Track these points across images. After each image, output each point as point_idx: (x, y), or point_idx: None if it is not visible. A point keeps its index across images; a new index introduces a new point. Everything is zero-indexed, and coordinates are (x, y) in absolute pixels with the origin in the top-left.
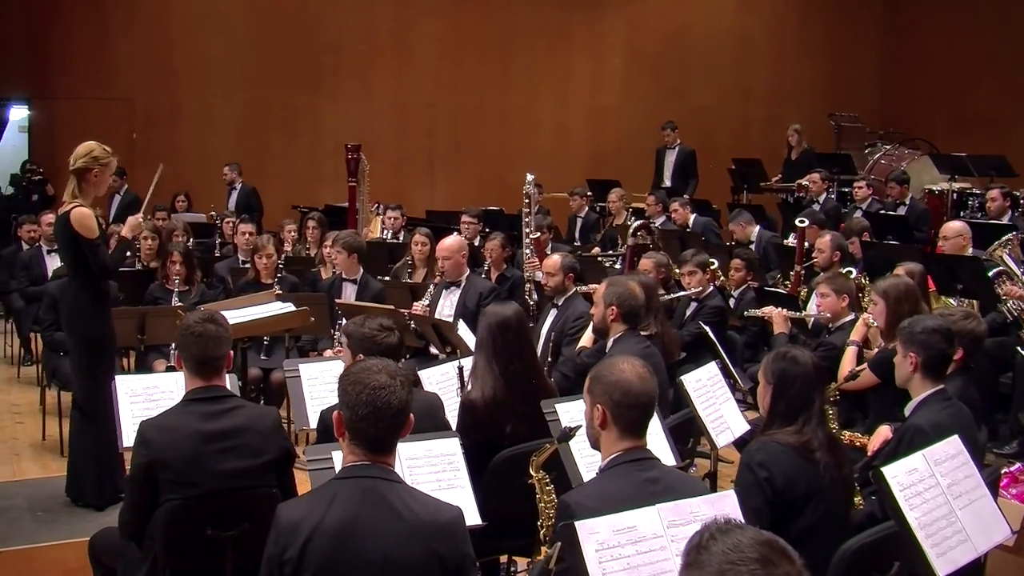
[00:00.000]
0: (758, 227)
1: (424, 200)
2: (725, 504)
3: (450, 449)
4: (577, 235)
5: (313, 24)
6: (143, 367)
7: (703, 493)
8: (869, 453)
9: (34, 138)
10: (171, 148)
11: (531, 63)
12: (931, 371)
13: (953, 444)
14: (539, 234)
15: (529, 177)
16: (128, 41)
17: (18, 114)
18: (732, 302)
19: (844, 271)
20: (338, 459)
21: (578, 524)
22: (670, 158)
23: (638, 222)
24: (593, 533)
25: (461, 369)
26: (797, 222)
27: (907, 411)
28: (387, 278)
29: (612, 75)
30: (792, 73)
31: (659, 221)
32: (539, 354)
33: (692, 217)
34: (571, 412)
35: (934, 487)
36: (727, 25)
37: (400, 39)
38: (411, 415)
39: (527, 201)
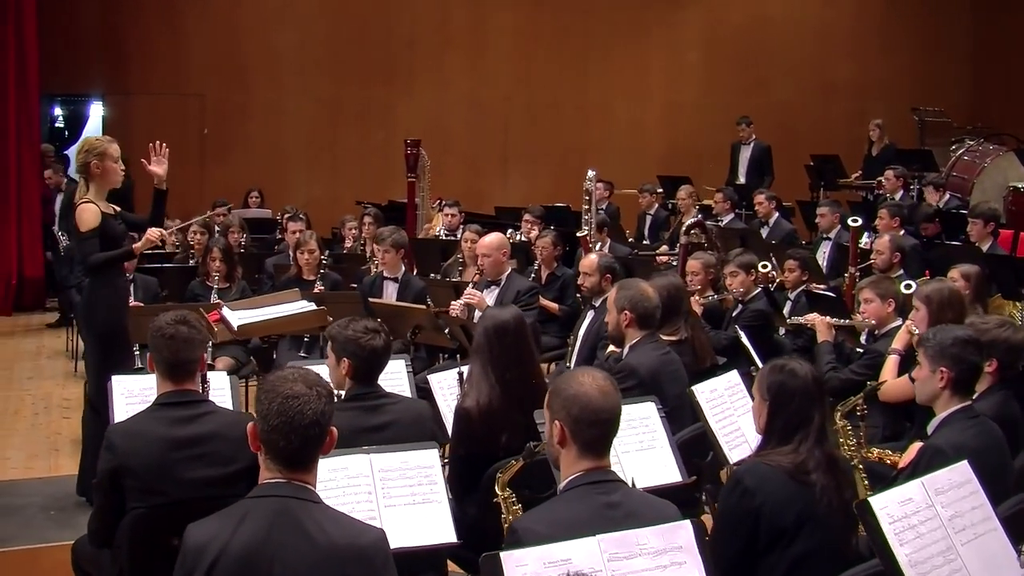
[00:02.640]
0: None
1: (498, 196)
2: (678, 536)
3: (427, 461)
4: (647, 232)
5: (387, 18)
6: None
7: (674, 519)
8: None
9: (108, 133)
10: (242, 143)
11: (607, 57)
12: (962, 387)
13: (960, 471)
14: (586, 231)
15: (590, 173)
16: (201, 36)
17: (94, 110)
18: (788, 305)
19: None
20: None
21: (503, 555)
22: (745, 154)
23: (691, 220)
24: (521, 565)
25: (462, 375)
26: (850, 221)
27: (929, 429)
28: (435, 276)
29: (690, 69)
30: (876, 66)
31: (727, 219)
32: (574, 357)
33: (775, 216)
34: None
35: (931, 519)
36: (808, 17)
37: (475, 33)
38: (332, 430)
39: (587, 198)
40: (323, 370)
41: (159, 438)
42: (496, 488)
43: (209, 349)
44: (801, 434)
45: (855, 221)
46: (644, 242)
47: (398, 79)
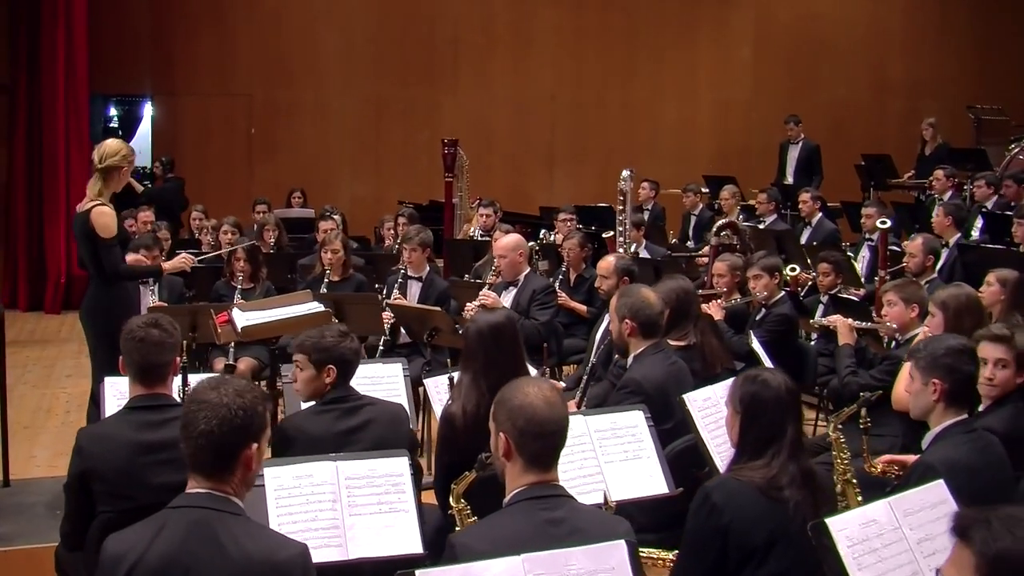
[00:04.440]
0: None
1: (542, 196)
2: (611, 557)
3: (396, 469)
4: (691, 233)
5: (431, 17)
6: (205, 365)
7: (623, 537)
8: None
9: (156, 134)
10: (288, 143)
11: (655, 54)
12: (956, 399)
13: (935, 491)
14: (612, 233)
15: (625, 173)
16: (248, 36)
17: (148, 111)
18: (820, 309)
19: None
20: (270, 476)
21: (420, 572)
22: (793, 153)
23: (722, 220)
24: None
25: (452, 379)
26: (878, 223)
27: (924, 444)
28: (467, 276)
29: (739, 67)
30: (931, 63)
31: (770, 220)
32: (592, 360)
33: (819, 216)
34: None
35: (897, 542)
36: (861, 13)
37: (519, 31)
38: (252, 443)
39: (621, 198)
40: None
41: (127, 442)
42: (451, 500)
43: (231, 350)
44: (774, 448)
45: (883, 223)
46: (688, 243)
47: (442, 78)
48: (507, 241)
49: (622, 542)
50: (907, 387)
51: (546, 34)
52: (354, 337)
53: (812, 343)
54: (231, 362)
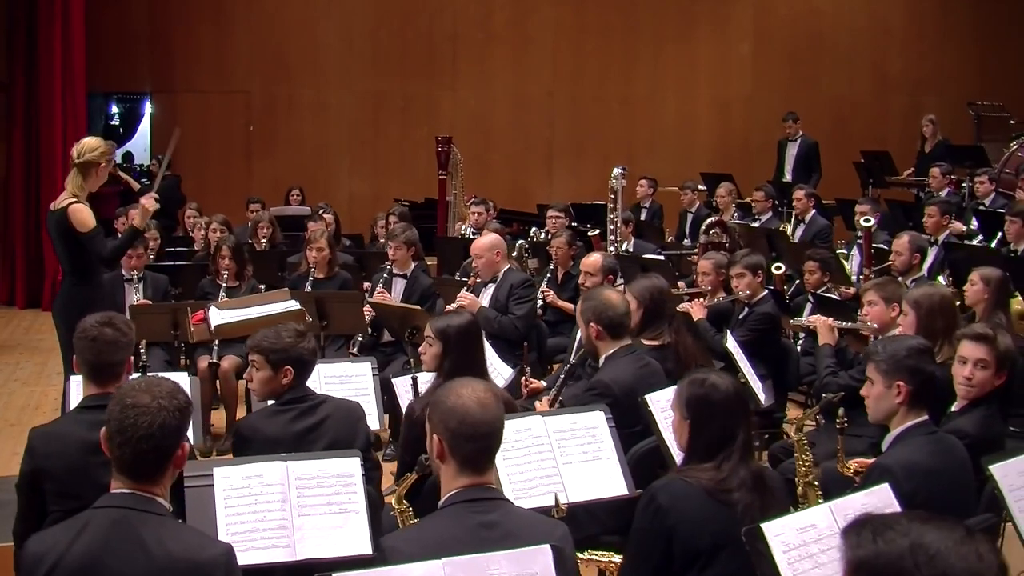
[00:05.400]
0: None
1: (542, 193)
2: (534, 561)
3: (348, 470)
4: (687, 231)
5: (430, 13)
6: (191, 365)
7: (560, 541)
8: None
9: (155, 131)
10: (287, 139)
11: (654, 50)
12: (920, 400)
13: (879, 494)
14: (597, 231)
15: (616, 171)
16: (246, 33)
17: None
18: (808, 308)
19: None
20: (219, 476)
21: None
22: (791, 151)
23: (711, 219)
24: None
25: (415, 380)
26: (862, 221)
27: (884, 445)
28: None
29: (740, 63)
30: (933, 59)
31: (765, 218)
32: (572, 358)
33: (812, 213)
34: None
35: (836, 548)
36: (861, 8)
37: (518, 27)
38: (183, 445)
39: (612, 196)
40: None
41: (78, 441)
42: (392, 501)
43: (215, 348)
44: (724, 452)
45: (867, 221)
46: (685, 241)
47: (441, 74)
48: (482, 241)
49: (547, 547)
50: (865, 390)
51: (545, 30)
52: (311, 337)
53: (799, 343)
54: (215, 360)
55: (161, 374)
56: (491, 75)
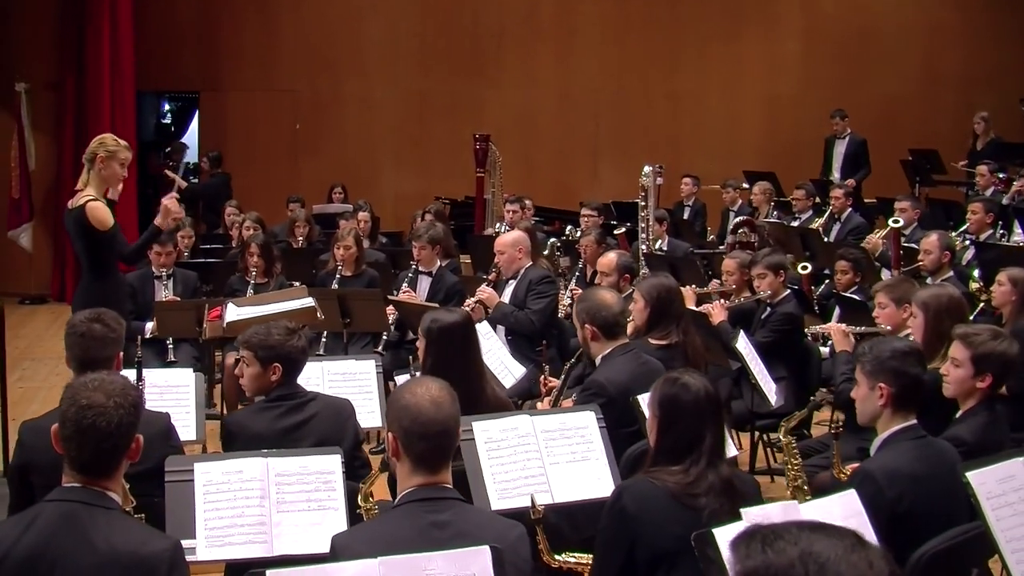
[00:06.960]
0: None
1: (587, 190)
2: (473, 562)
3: (328, 467)
4: (729, 230)
5: (475, 10)
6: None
7: (514, 542)
8: None
9: (203, 129)
10: (333, 137)
11: (700, 47)
12: (904, 403)
13: (845, 502)
14: (623, 230)
15: (646, 169)
16: (292, 32)
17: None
18: (837, 312)
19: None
20: (200, 471)
21: (270, 572)
22: (839, 148)
23: (739, 218)
24: None
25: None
26: (890, 222)
27: (872, 450)
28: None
29: (788, 60)
30: (985, 56)
31: (805, 216)
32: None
33: (848, 211)
34: (489, 431)
35: None
36: (911, 5)
37: (563, 23)
38: (137, 438)
39: (643, 194)
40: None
41: None
42: (359, 500)
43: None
44: (693, 455)
45: (896, 222)
46: (728, 239)
47: (486, 71)
48: (505, 238)
49: (486, 548)
50: (854, 392)
51: (590, 26)
52: (302, 335)
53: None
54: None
55: (159, 371)
56: (536, 72)
